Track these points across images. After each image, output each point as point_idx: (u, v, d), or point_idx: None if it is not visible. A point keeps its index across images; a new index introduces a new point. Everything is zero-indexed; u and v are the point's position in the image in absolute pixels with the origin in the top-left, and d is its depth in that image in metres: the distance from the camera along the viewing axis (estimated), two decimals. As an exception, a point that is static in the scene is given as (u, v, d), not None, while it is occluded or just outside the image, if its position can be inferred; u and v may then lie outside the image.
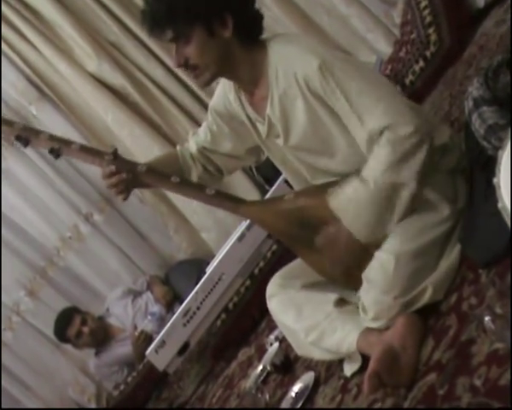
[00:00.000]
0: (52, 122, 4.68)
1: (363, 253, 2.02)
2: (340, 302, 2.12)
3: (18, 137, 2.21)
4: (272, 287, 2.27)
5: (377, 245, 1.98)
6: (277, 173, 3.76)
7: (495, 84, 1.86)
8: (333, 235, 2.05)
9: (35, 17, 4.54)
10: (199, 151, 2.37)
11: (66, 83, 4.60)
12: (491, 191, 1.77)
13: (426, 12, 3.59)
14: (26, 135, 2.21)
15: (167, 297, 4.39)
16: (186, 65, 2.04)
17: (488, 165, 1.82)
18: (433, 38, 3.53)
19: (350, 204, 1.99)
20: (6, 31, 4.51)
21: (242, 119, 2.22)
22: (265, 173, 4.25)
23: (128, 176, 2.18)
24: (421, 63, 3.56)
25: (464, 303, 1.77)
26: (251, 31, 2.06)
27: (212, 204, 2.32)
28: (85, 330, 4.34)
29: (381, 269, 1.94)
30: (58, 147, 2.18)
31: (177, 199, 4.65)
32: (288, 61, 2.02)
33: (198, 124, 4.38)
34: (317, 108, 2.00)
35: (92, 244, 4.78)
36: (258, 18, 2.07)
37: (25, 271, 4.72)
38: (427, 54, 3.55)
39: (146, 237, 4.90)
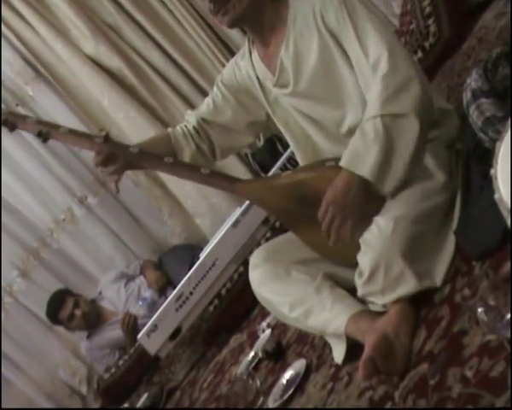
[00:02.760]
0: (48, 103, 4.67)
1: (364, 223, 1.97)
2: (329, 277, 2.11)
3: (4, 122, 2.19)
4: (256, 258, 2.25)
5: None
6: (274, 161, 3.78)
7: (494, 76, 1.85)
8: (332, 186, 1.98)
9: (32, -4, 4.52)
10: (197, 123, 2.38)
11: (62, 64, 4.59)
12: (487, 184, 1.78)
13: (425, 3, 3.58)
14: (13, 119, 2.20)
15: (160, 282, 4.39)
16: None
17: (485, 157, 1.83)
18: (433, 29, 3.52)
19: (358, 155, 1.95)
20: (3, 10, 4.48)
21: (251, 84, 2.27)
22: (261, 161, 4.26)
23: (119, 159, 2.17)
24: (420, 54, 3.55)
25: (457, 294, 1.78)
26: None
27: (207, 184, 2.30)
28: (78, 312, 4.34)
29: (378, 232, 1.91)
30: (46, 130, 2.17)
31: (172, 183, 4.65)
32: (308, 1, 2.11)
33: (194, 108, 4.37)
34: (331, 45, 2.07)
35: (86, 227, 4.77)
36: None
37: (18, 251, 4.71)
38: (426, 45, 3.53)
39: (140, 220, 4.90)
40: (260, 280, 2.21)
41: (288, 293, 2.13)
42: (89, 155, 4.52)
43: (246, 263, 3.52)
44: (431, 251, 1.94)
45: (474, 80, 1.86)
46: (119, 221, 4.82)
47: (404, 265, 1.88)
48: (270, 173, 3.66)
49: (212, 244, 3.52)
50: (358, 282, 1.99)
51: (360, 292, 2.00)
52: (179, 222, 4.79)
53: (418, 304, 1.91)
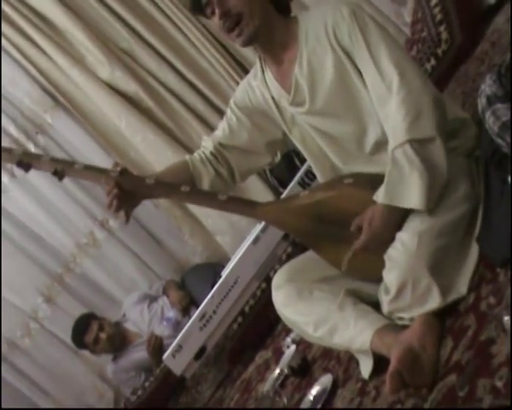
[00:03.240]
0: (67, 130, 4.71)
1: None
2: (352, 294, 2.10)
3: (19, 163, 2.20)
4: (278, 279, 2.23)
5: None
6: (291, 176, 3.78)
7: (508, 81, 1.84)
8: (368, 215, 1.97)
9: (47, 26, 4.58)
10: (214, 149, 2.37)
11: (79, 90, 4.63)
12: (506, 189, 1.77)
13: (436, 10, 3.57)
14: (27, 160, 2.21)
15: (183, 302, 4.39)
16: (228, 14, 2.05)
17: (503, 163, 1.81)
18: (445, 35, 3.51)
19: (398, 187, 1.93)
20: (19, 40, 4.54)
21: (265, 105, 2.26)
22: (279, 176, 4.26)
23: (122, 194, 2.15)
24: (433, 61, 3.54)
25: (483, 303, 1.76)
26: (284, 2, 2.17)
27: (226, 210, 2.28)
28: (103, 336, 4.36)
29: (403, 248, 1.90)
30: (61, 168, 2.17)
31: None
32: (319, 18, 2.10)
33: (211, 128, 4.40)
34: (345, 62, 2.06)
35: (108, 250, 4.80)
36: None
37: (42, 278, 4.74)
38: (439, 52, 3.53)
39: (161, 241, 4.92)
40: (283, 301, 2.20)
41: (312, 312, 2.12)
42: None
43: (268, 279, 3.53)
44: (455, 261, 1.92)
45: (488, 86, 1.85)
46: (140, 243, 4.84)
47: (430, 280, 1.87)
48: (289, 188, 3.66)
49: (234, 262, 3.52)
50: (385, 299, 1.97)
51: (386, 309, 1.98)
52: (200, 241, 4.80)
53: (443, 314, 1.89)
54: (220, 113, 4.40)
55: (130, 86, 4.58)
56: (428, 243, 1.88)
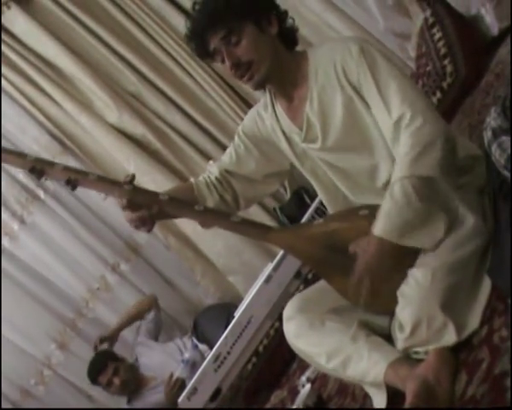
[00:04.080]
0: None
1: (396, 272, 1.97)
2: (365, 325, 2.08)
3: (32, 170, 2.13)
4: (289, 310, 2.20)
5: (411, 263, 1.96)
6: (302, 213, 3.78)
7: (513, 113, 1.85)
8: (363, 245, 1.99)
9: (54, 72, 4.64)
10: (220, 175, 2.36)
11: (87, 135, 4.67)
12: (515, 220, 1.76)
13: (440, 44, 3.60)
14: (40, 166, 2.13)
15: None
16: (239, 64, 2.07)
17: (511, 194, 1.81)
18: (449, 69, 3.53)
19: (390, 220, 1.94)
20: (26, 87, 4.60)
21: (275, 137, 2.26)
22: (289, 214, 4.26)
23: (149, 210, 2.14)
24: (439, 95, 3.56)
25: (495, 335, 1.74)
26: (290, 34, 2.17)
27: (237, 232, 2.26)
28: (116, 381, 4.32)
29: (416, 285, 1.90)
30: (75, 178, 2.12)
31: (203, 243, 4.68)
32: (328, 55, 2.11)
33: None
34: (355, 99, 2.06)
35: (120, 294, 4.80)
36: (294, 26, 2.19)
37: (55, 324, 4.74)
38: (444, 85, 3.55)
39: (173, 283, 4.91)
40: (295, 332, 2.17)
41: (324, 343, 2.09)
42: (118, 222, 4.68)
43: (281, 318, 3.50)
44: (468, 295, 1.91)
45: (493, 119, 1.86)
46: (152, 285, 4.84)
47: (445, 317, 1.86)
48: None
49: (246, 302, 3.51)
50: (400, 336, 1.95)
51: (402, 346, 1.96)
52: (212, 281, 4.80)
53: (457, 347, 1.88)
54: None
55: (138, 129, 4.62)
56: (442, 279, 1.88)
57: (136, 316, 4.58)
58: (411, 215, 1.92)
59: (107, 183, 2.19)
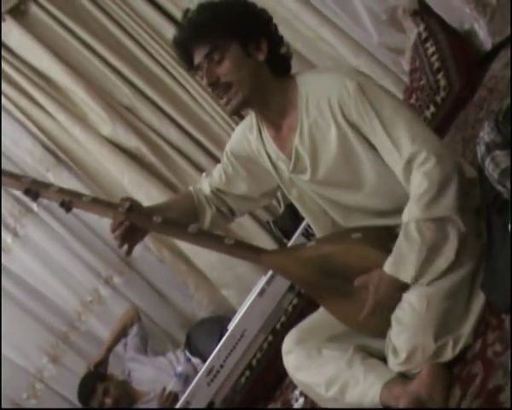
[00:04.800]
0: (70, 187, 4.68)
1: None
2: (361, 349, 2.08)
3: (27, 191, 2.16)
4: (288, 343, 2.19)
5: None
6: (295, 226, 3.78)
7: (506, 128, 1.85)
8: (375, 281, 1.98)
9: (48, 84, 4.63)
10: (212, 193, 2.36)
11: (81, 148, 4.66)
12: (508, 235, 1.76)
13: (434, 58, 3.62)
14: (36, 188, 2.17)
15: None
16: (217, 84, 2.03)
17: (504, 209, 1.82)
18: (443, 83, 3.55)
19: (404, 260, 1.93)
20: (20, 99, 4.58)
21: (261, 159, 2.22)
22: (283, 227, 4.26)
23: (128, 230, 2.13)
24: (432, 109, 3.58)
25: (489, 350, 1.75)
26: (281, 62, 2.10)
27: (231, 254, 2.23)
28: (108, 401, 4.26)
29: (412, 311, 1.90)
30: (69, 200, 2.15)
31: (197, 257, 4.66)
32: (321, 89, 2.03)
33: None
34: (350, 135, 2.00)
35: (113, 307, 4.76)
36: (287, 53, 2.12)
37: (47, 337, 4.70)
38: (438, 99, 3.56)
39: (166, 296, 4.89)
40: (294, 365, 2.17)
41: (322, 373, 2.08)
42: (111, 236, 4.64)
43: (274, 332, 3.50)
44: (462, 313, 1.92)
45: (486, 133, 1.86)
46: (145, 299, 4.82)
47: (440, 343, 1.87)
48: (293, 239, 3.65)
49: (240, 315, 3.50)
50: (394, 361, 1.95)
51: (397, 370, 1.95)
52: (206, 295, 4.78)
53: (450, 361, 1.88)
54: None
55: (132, 142, 4.61)
56: (437, 306, 1.89)
57: (120, 333, 4.54)
58: (426, 255, 1.91)
59: (102, 205, 2.21)
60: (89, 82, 4.63)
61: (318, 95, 2.02)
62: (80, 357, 4.72)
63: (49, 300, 4.73)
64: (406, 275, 1.92)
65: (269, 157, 2.19)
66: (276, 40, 2.09)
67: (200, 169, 4.64)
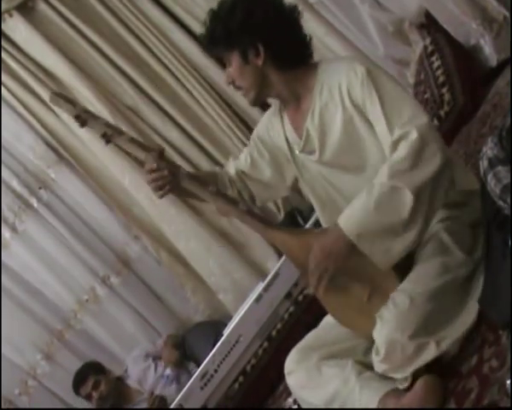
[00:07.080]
0: (70, 185, 4.73)
1: (380, 298, 2.00)
2: (359, 365, 2.08)
3: (77, 117, 2.23)
4: (290, 363, 2.22)
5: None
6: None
7: (509, 144, 1.86)
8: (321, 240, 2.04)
9: (53, 81, 4.63)
10: (237, 175, 2.41)
11: (83, 146, 4.66)
12: (508, 251, 1.76)
13: (439, 72, 3.63)
14: (85, 117, 2.23)
15: (172, 359, 4.36)
16: (233, 84, 2.21)
17: (505, 224, 1.82)
18: (447, 97, 3.55)
19: (355, 211, 1.98)
20: (24, 95, 4.59)
21: (281, 143, 2.30)
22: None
23: (169, 175, 2.21)
24: (436, 122, 3.57)
25: (485, 365, 1.74)
26: (287, 57, 2.18)
27: (242, 220, 2.28)
28: (94, 395, 4.29)
29: (394, 309, 1.92)
30: (111, 133, 2.22)
31: (195, 260, 4.67)
32: (335, 74, 2.14)
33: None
34: (356, 119, 2.09)
35: (109, 307, 4.76)
36: (297, 45, 2.21)
37: (42, 334, 4.70)
38: (442, 113, 3.57)
39: (163, 299, 4.88)
40: (296, 385, 2.20)
41: (322, 393, 2.10)
42: (110, 235, 4.68)
43: (270, 338, 3.50)
44: (448, 321, 1.93)
45: (489, 149, 1.86)
46: (141, 300, 4.81)
47: (418, 342, 1.88)
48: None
49: (236, 320, 3.50)
50: (375, 359, 1.97)
51: (379, 369, 1.97)
52: (202, 299, 4.77)
53: (446, 376, 1.88)
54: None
55: (135, 143, 4.61)
56: (420, 305, 1.91)
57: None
58: (377, 220, 1.94)
59: (137, 145, 2.25)
60: (93, 81, 4.64)
61: (332, 80, 2.14)
62: (74, 355, 4.71)
63: (46, 297, 4.73)
64: (351, 230, 1.96)
65: (287, 140, 2.28)
66: (276, 41, 2.16)
67: (200, 172, 4.64)
